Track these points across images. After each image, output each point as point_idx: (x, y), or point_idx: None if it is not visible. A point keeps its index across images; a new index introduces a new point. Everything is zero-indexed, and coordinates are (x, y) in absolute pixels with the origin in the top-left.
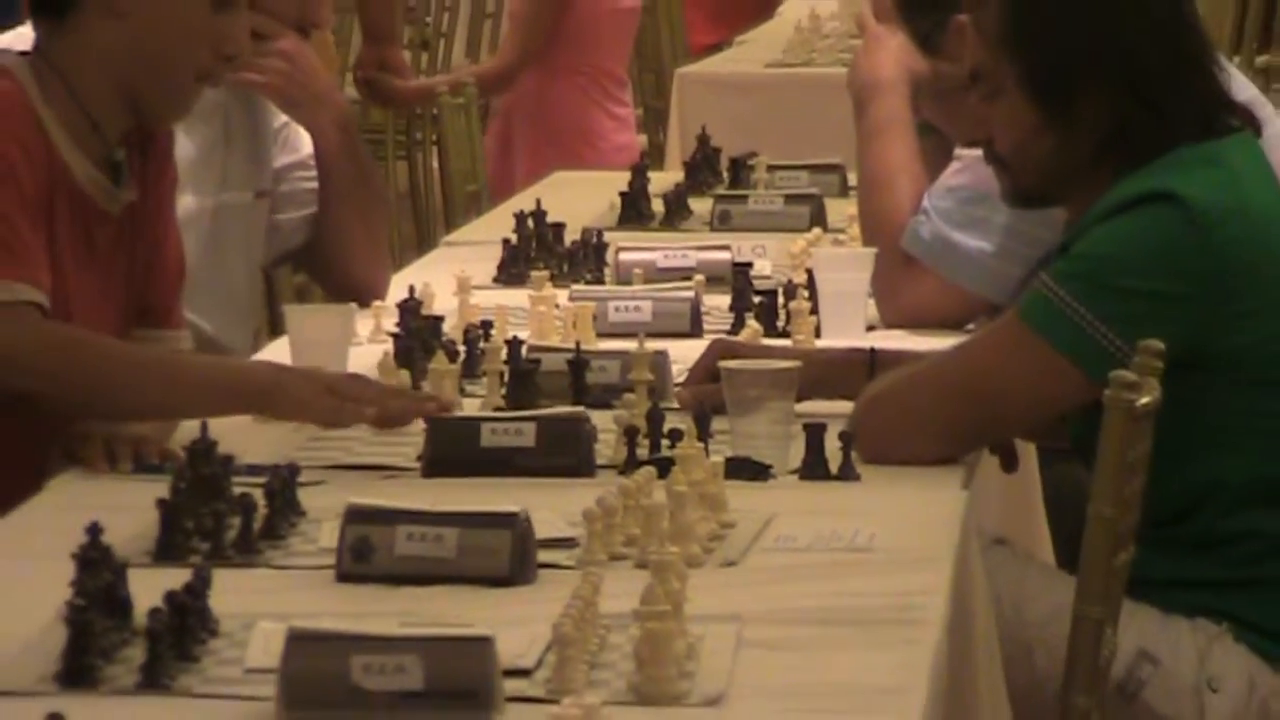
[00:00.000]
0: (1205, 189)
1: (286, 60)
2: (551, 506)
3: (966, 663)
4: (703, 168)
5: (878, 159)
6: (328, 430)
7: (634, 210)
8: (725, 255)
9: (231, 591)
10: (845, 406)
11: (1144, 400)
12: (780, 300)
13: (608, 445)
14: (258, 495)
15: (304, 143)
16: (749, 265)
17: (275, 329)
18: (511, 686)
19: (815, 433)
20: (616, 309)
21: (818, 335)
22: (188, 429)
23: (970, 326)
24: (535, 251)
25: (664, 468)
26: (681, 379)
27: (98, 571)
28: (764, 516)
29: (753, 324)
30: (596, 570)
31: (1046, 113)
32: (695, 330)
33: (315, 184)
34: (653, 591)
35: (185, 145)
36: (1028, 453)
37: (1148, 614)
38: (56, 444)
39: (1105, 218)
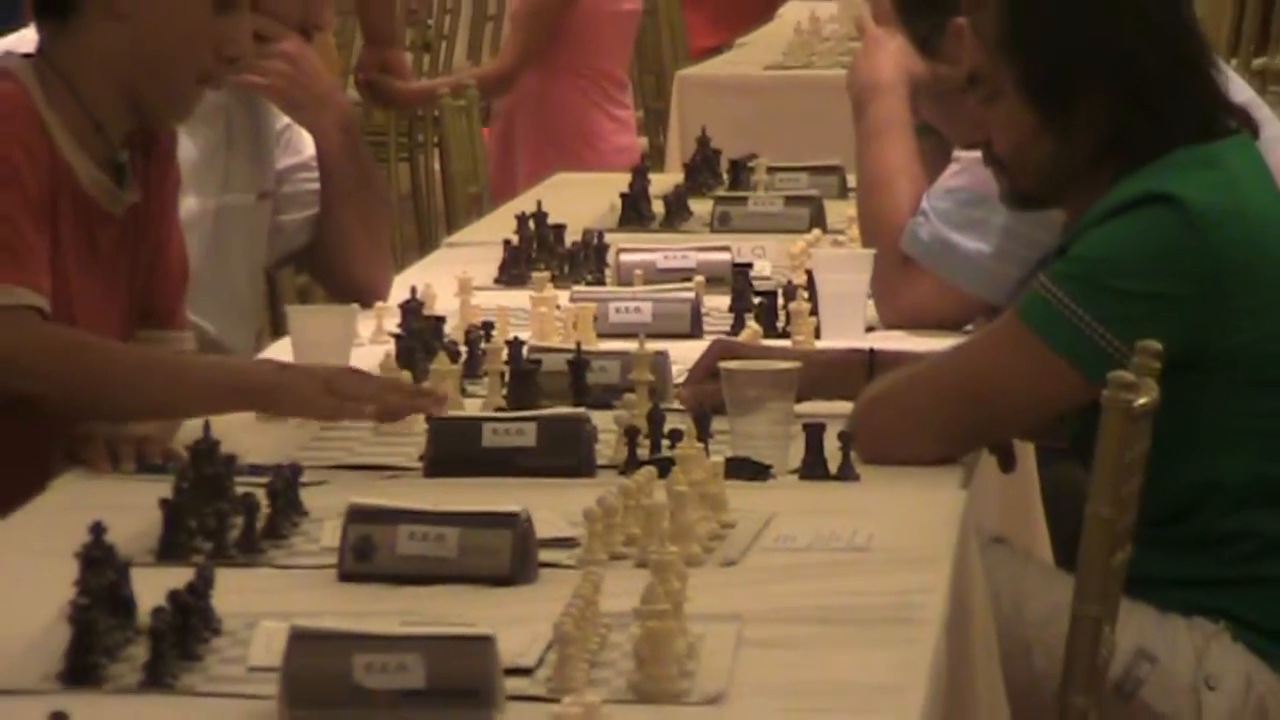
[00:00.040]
0: (1203, 191)
1: (289, 62)
2: (552, 506)
3: (965, 661)
4: (703, 169)
5: (877, 161)
6: (329, 427)
7: (634, 211)
8: (725, 256)
9: (234, 591)
10: (845, 407)
11: (1141, 401)
12: (780, 301)
13: (608, 445)
14: (260, 495)
15: (306, 144)
16: (749, 266)
17: (278, 330)
18: (513, 685)
19: (815, 433)
20: (617, 310)
21: (817, 336)
22: (190, 429)
23: (969, 327)
24: (536, 253)
25: (664, 468)
26: (681, 379)
27: (101, 571)
28: (764, 516)
29: (752, 325)
30: (597, 570)
31: (1044, 115)
32: (695, 331)
33: (317, 185)
34: (653, 591)
35: (188, 147)
36: (1026, 452)
37: (1145, 613)
38: (60, 444)
39: (1103, 219)
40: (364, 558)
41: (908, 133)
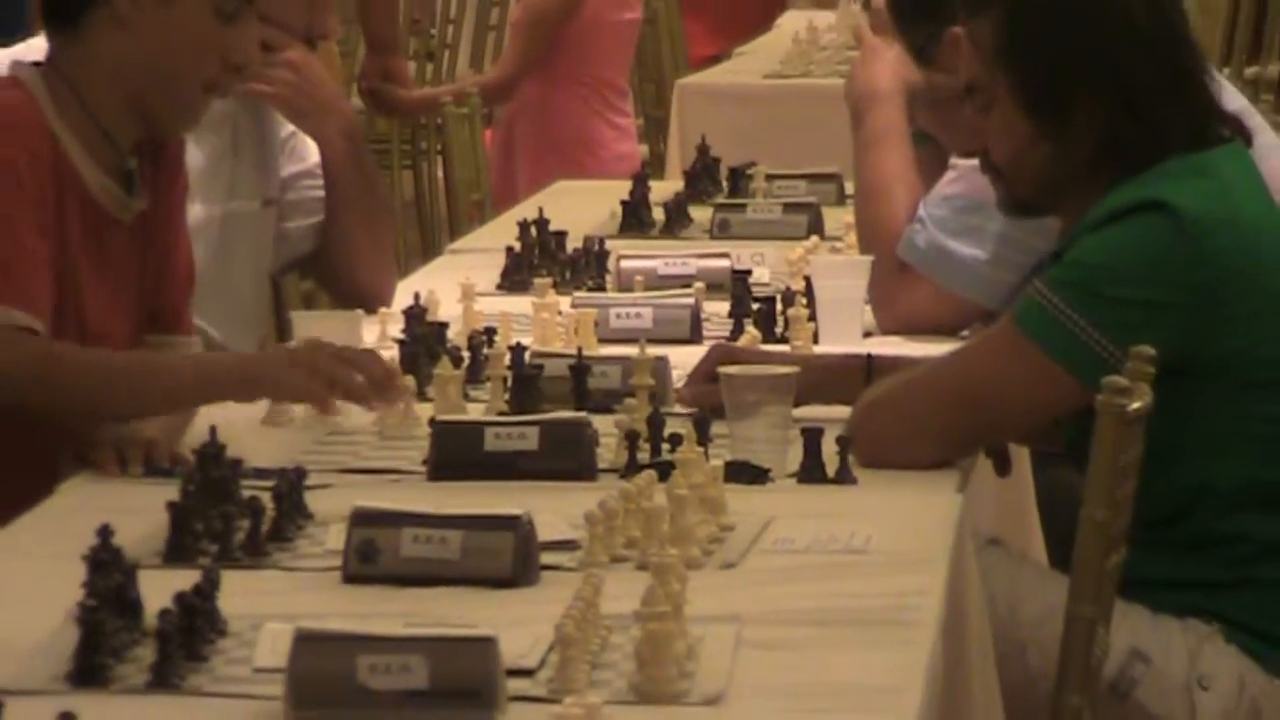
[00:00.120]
0: (1196, 199)
1: (294, 71)
2: (554, 509)
3: (961, 662)
4: (702, 177)
5: (874, 168)
6: (334, 430)
7: (635, 218)
8: (725, 263)
9: (240, 593)
10: (843, 411)
11: (1135, 405)
12: (778, 307)
13: (609, 449)
14: (266, 498)
15: (311, 152)
16: (748, 273)
17: (282, 335)
18: (514, 686)
19: (813, 437)
20: (618, 315)
21: (815, 341)
22: (197, 433)
23: (965, 333)
24: (538, 259)
25: (664, 471)
26: (681, 384)
27: (108, 573)
28: (763, 519)
29: (751, 330)
30: (598, 572)
31: (1040, 124)
32: (695, 336)
33: (322, 192)
34: (653, 593)
35: (194, 154)
36: (1021, 456)
37: (1139, 614)
38: (68, 448)
39: (1098, 226)
40: (368, 560)
41: (905, 141)
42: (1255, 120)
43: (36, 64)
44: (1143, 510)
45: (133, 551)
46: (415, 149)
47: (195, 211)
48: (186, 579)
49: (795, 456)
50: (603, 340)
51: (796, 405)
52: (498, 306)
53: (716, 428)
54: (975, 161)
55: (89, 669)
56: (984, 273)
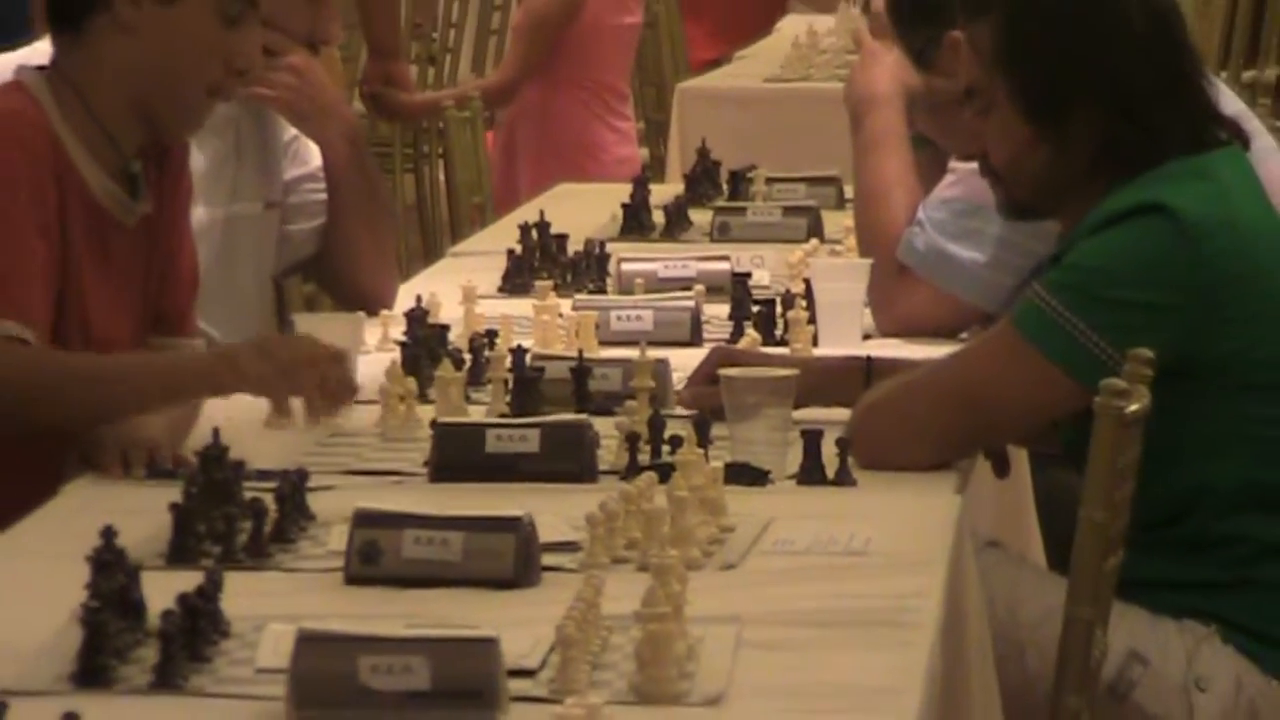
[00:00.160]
0: (1195, 201)
1: (296, 75)
2: (555, 511)
3: (960, 663)
4: (703, 180)
5: (874, 172)
6: (337, 433)
7: (635, 221)
8: (725, 266)
9: (242, 594)
10: (842, 413)
11: (1134, 407)
12: (778, 309)
13: (610, 451)
14: (268, 500)
15: (313, 155)
16: (748, 275)
17: None
18: (516, 686)
19: (813, 439)
20: (618, 318)
21: (815, 344)
22: (200, 435)
23: (964, 335)
24: (539, 262)
25: (665, 473)
26: (682, 386)
27: (112, 574)
28: (762, 520)
29: (751, 333)
30: (599, 573)
31: (1039, 127)
32: (695, 339)
33: (324, 196)
34: (654, 594)
35: (197, 158)
36: (1020, 458)
37: (1137, 615)
38: (72, 450)
39: (1097, 229)
40: (370, 561)
41: (904, 144)
42: (1253, 124)
43: (41, 68)
44: (1141, 512)
45: (136, 553)
46: (417, 152)
47: (198, 214)
48: (189, 580)
49: (795, 458)
50: (603, 343)
51: (796, 407)
52: (499, 309)
53: (717, 430)
54: (974, 165)
55: (92, 670)
56: (983, 275)
